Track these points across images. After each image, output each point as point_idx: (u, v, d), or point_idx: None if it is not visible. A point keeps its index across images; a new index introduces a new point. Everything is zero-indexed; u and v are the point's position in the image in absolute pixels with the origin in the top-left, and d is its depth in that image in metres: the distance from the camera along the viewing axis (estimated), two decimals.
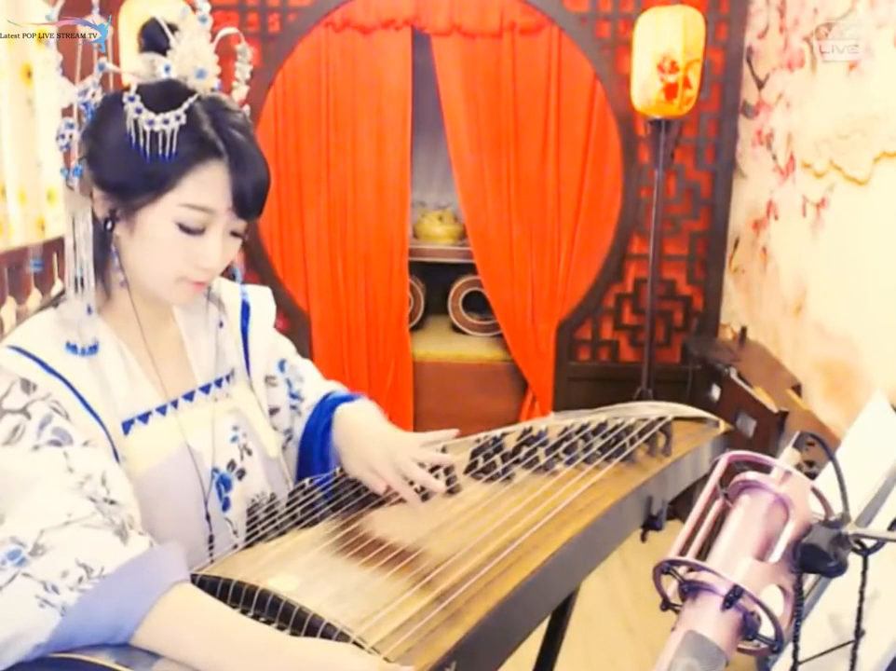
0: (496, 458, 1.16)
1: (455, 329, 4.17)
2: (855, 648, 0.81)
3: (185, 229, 0.94)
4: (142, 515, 0.92)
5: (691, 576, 0.68)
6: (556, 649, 1.39)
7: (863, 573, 0.76)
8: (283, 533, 0.97)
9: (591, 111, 3.49)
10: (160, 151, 0.91)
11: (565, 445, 1.22)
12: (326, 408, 1.23)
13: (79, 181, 0.96)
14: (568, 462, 1.19)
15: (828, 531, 0.69)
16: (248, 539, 1.00)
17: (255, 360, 1.18)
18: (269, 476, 1.13)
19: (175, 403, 1.05)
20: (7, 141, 3.19)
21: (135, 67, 0.96)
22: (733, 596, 0.65)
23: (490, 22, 3.42)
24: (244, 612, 0.78)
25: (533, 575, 0.90)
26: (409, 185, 3.66)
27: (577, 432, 1.27)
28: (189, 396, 1.07)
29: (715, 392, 2.97)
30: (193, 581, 0.80)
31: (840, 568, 0.69)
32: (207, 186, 0.94)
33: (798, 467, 0.73)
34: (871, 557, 0.74)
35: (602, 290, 3.70)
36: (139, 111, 0.91)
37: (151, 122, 0.91)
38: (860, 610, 0.79)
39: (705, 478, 0.81)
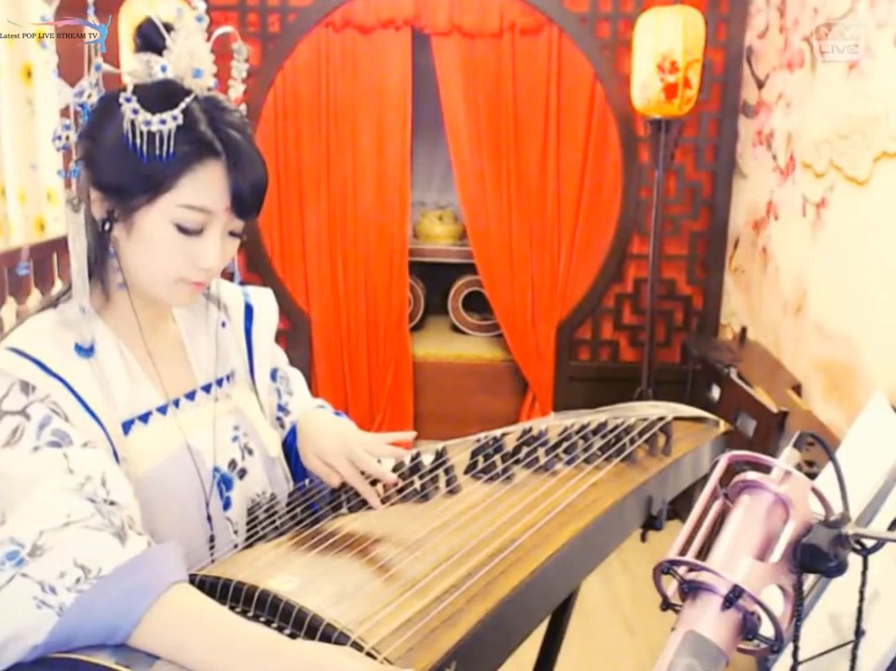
0: (496, 458, 1.16)
1: (455, 329, 4.17)
2: (855, 648, 0.81)
3: (183, 230, 0.94)
4: (144, 515, 0.92)
5: (691, 576, 0.68)
6: (556, 649, 1.39)
7: (863, 573, 0.76)
8: (283, 533, 0.97)
9: (591, 111, 3.49)
10: (157, 151, 0.91)
11: (565, 444, 1.22)
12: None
13: (76, 182, 0.96)
14: (568, 462, 1.19)
15: (828, 531, 0.69)
16: (248, 539, 1.00)
17: (259, 361, 1.18)
18: (270, 476, 1.13)
19: (177, 403, 1.05)
20: (7, 141, 3.19)
21: (131, 67, 0.96)
22: (733, 596, 0.65)
23: (490, 22, 3.42)
24: (244, 613, 0.78)
25: (533, 575, 0.90)
26: (409, 185, 3.66)
27: (577, 432, 1.27)
28: (190, 395, 1.07)
29: (715, 392, 2.97)
30: (192, 582, 0.80)
31: (840, 568, 0.69)
32: (205, 187, 0.93)
33: (798, 467, 0.73)
34: (871, 557, 0.74)
35: (602, 290, 3.70)
36: (135, 111, 0.90)
37: (148, 122, 0.90)
38: (860, 610, 0.79)
39: (705, 478, 0.81)
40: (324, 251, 3.66)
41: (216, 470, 1.05)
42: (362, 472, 1.07)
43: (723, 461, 0.75)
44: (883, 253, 2.28)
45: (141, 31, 0.97)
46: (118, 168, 0.93)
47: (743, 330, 3.32)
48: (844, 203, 2.53)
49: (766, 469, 0.72)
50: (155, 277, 0.98)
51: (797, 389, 2.71)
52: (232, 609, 0.78)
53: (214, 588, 0.80)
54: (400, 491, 1.07)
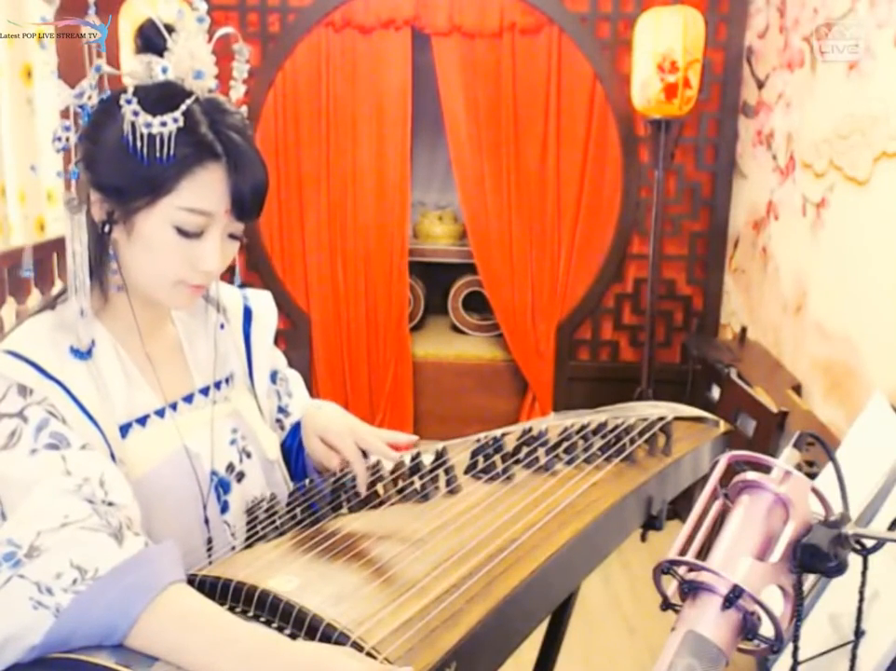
0: (496, 458, 1.16)
1: (455, 329, 4.18)
2: (855, 648, 0.81)
3: (183, 233, 0.94)
4: (142, 518, 0.91)
5: (691, 576, 0.68)
6: (556, 649, 1.38)
7: (863, 573, 0.76)
8: (283, 533, 0.97)
9: (591, 111, 3.49)
10: (158, 154, 0.90)
11: (565, 444, 1.22)
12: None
13: (76, 183, 0.95)
14: (568, 462, 1.19)
15: (828, 531, 0.69)
16: (247, 539, 0.99)
17: (258, 364, 1.18)
18: (268, 479, 1.13)
19: (174, 406, 1.04)
20: (7, 141, 3.19)
21: (132, 68, 0.96)
22: (733, 596, 0.65)
23: (490, 22, 3.42)
24: (244, 613, 0.78)
25: (533, 575, 0.90)
26: (409, 185, 3.66)
27: (577, 432, 1.27)
28: (188, 399, 1.07)
29: (715, 392, 2.97)
30: (192, 582, 0.80)
31: (840, 568, 0.69)
32: (205, 190, 0.93)
33: (798, 467, 0.73)
34: (871, 557, 0.74)
35: (602, 290, 3.70)
36: (136, 113, 0.90)
37: (148, 125, 0.90)
38: (860, 610, 0.79)
39: (705, 478, 0.81)
40: (324, 251, 3.66)
41: (214, 473, 1.05)
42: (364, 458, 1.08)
43: (723, 461, 0.75)
44: (883, 253, 2.28)
45: (142, 32, 0.96)
46: (118, 170, 0.92)
47: (743, 330, 3.32)
48: (844, 203, 2.53)
49: (766, 469, 0.72)
50: (154, 279, 0.97)
51: (797, 389, 2.71)
52: (232, 609, 0.78)
53: (214, 588, 0.80)
54: (400, 491, 1.07)
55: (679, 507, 1.44)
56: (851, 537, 0.70)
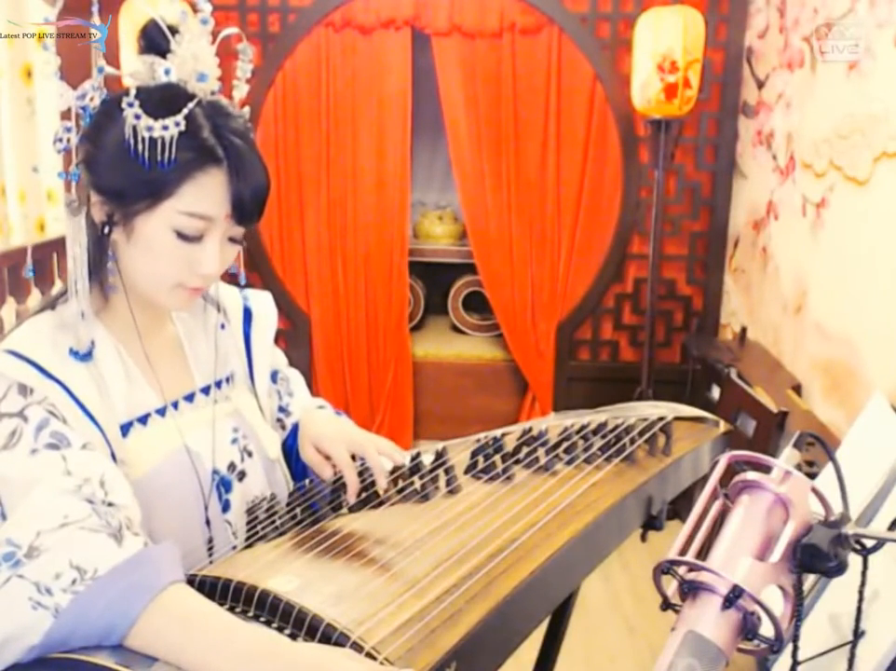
0: (496, 458, 1.16)
1: (455, 329, 4.18)
2: (854, 647, 0.81)
3: (183, 236, 0.94)
4: (143, 518, 0.91)
5: (691, 576, 0.68)
6: (556, 649, 1.39)
7: (863, 573, 0.76)
8: (283, 533, 0.97)
9: (591, 111, 3.49)
10: (159, 158, 0.90)
11: (565, 444, 1.22)
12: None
13: (76, 184, 0.95)
14: (568, 462, 1.19)
15: (828, 531, 0.69)
16: (248, 539, 0.99)
17: (258, 364, 1.18)
18: (270, 478, 1.13)
19: (175, 405, 1.05)
20: (7, 141, 3.19)
21: (134, 69, 0.95)
22: (733, 596, 0.65)
23: (490, 22, 3.42)
24: (244, 613, 0.78)
25: (533, 575, 0.90)
26: (409, 185, 3.66)
27: (577, 432, 1.27)
28: (189, 398, 1.07)
29: (715, 392, 2.97)
30: (192, 582, 0.80)
31: (840, 568, 0.69)
32: (206, 194, 0.93)
33: (798, 467, 0.73)
34: (871, 557, 0.74)
35: (602, 290, 3.70)
36: (138, 117, 0.90)
37: (150, 128, 0.89)
38: (859, 610, 0.79)
39: (705, 478, 0.81)
40: (324, 251, 3.66)
41: (215, 472, 1.05)
42: (360, 472, 1.08)
43: (723, 461, 0.75)
44: (883, 254, 2.28)
45: (145, 33, 0.96)
46: (119, 173, 0.92)
47: (743, 330, 3.32)
48: (844, 203, 2.53)
49: (766, 469, 0.72)
50: (153, 281, 0.97)
51: (797, 389, 2.71)
52: (232, 609, 0.78)
53: (214, 588, 0.80)
54: (400, 491, 1.07)
55: (679, 507, 1.44)
56: (851, 537, 0.70)
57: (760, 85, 3.28)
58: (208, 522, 1.03)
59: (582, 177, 3.56)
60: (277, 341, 1.25)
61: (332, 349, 3.73)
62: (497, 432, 1.24)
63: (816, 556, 0.68)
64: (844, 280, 2.51)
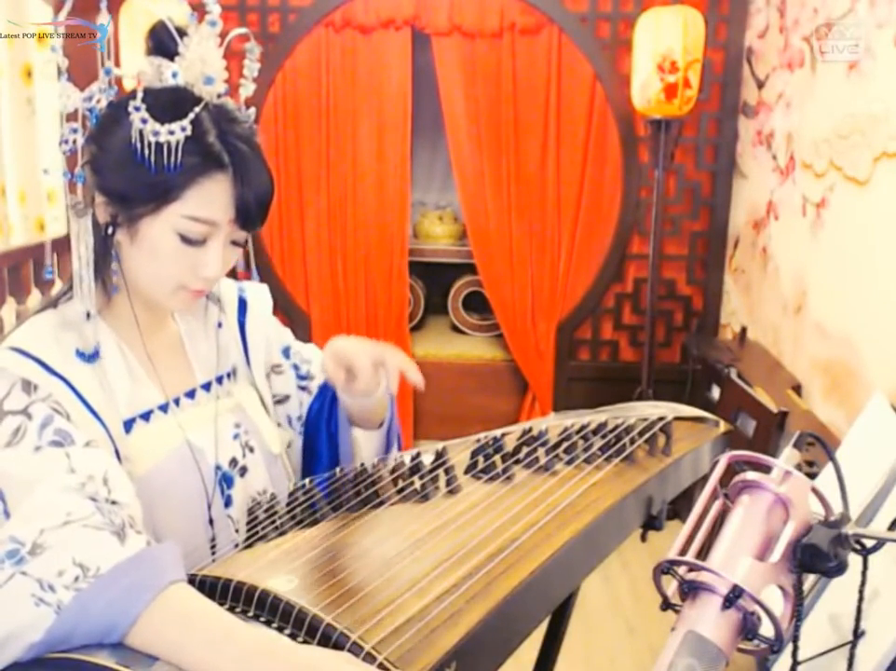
0: (496, 458, 1.16)
1: (455, 329, 4.18)
2: (854, 647, 0.81)
3: (186, 240, 0.94)
4: (146, 514, 0.92)
5: (691, 576, 0.68)
6: (556, 649, 1.38)
7: (863, 573, 0.76)
8: (283, 533, 0.97)
9: (591, 111, 3.49)
10: (165, 162, 0.90)
11: (565, 445, 1.22)
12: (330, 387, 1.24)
13: (81, 186, 0.95)
14: (568, 462, 1.18)
15: (828, 531, 0.69)
16: (248, 539, 1.00)
17: (254, 354, 1.19)
18: (271, 473, 1.13)
19: (177, 401, 1.05)
20: (8, 141, 3.19)
21: (141, 69, 0.96)
22: (733, 596, 0.65)
23: (490, 22, 3.42)
24: (244, 613, 0.78)
25: (533, 575, 0.90)
26: (409, 185, 3.66)
27: (577, 432, 1.27)
28: (191, 394, 1.08)
29: (715, 392, 2.97)
30: (192, 582, 0.80)
31: (840, 568, 0.69)
32: (210, 199, 0.93)
33: (798, 467, 0.73)
34: (871, 557, 0.74)
35: (602, 290, 3.70)
36: (144, 121, 0.90)
37: (156, 133, 0.90)
38: (859, 610, 0.79)
39: (705, 478, 0.81)
40: (324, 251, 3.66)
41: (217, 468, 1.06)
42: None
43: (723, 461, 0.75)
44: (883, 253, 2.28)
45: (154, 34, 0.96)
46: (124, 176, 0.93)
47: (743, 330, 3.32)
48: (844, 203, 2.53)
49: (766, 469, 0.72)
50: (155, 283, 0.98)
51: (797, 389, 2.72)
52: (232, 609, 0.78)
53: (214, 588, 0.80)
54: (400, 491, 1.07)
55: (679, 507, 1.44)
56: (851, 537, 0.70)
57: (760, 85, 3.28)
58: (210, 518, 1.04)
59: (582, 177, 3.56)
60: None
61: None
62: (497, 432, 1.24)
63: (816, 556, 0.68)
64: (844, 280, 2.51)
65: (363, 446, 1.22)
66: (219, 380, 1.12)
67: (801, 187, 2.84)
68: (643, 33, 3.13)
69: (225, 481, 1.07)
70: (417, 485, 1.07)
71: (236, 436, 1.10)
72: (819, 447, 0.80)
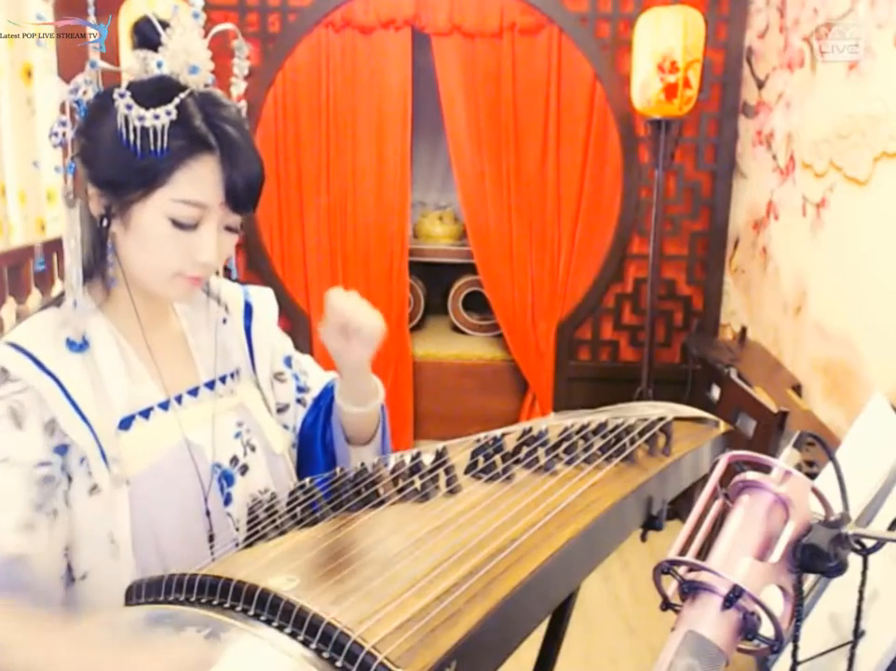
0: (497, 457, 1.16)
1: (455, 329, 4.18)
2: (853, 648, 0.81)
3: (179, 224, 0.95)
4: (145, 511, 0.94)
5: (691, 576, 0.68)
6: (556, 649, 1.38)
7: (863, 573, 0.76)
8: (283, 532, 0.97)
9: (591, 111, 3.49)
10: (151, 147, 0.91)
11: (565, 444, 1.22)
12: (327, 396, 1.26)
13: (73, 178, 0.96)
14: (568, 462, 1.18)
15: (828, 531, 0.69)
16: (248, 538, 1.00)
17: (260, 359, 1.20)
18: (273, 472, 1.14)
19: (179, 399, 1.06)
20: (8, 141, 3.19)
21: (128, 64, 0.97)
22: (733, 596, 0.65)
23: (490, 22, 3.42)
24: (244, 612, 0.78)
25: (533, 575, 0.90)
26: (409, 185, 3.66)
27: (578, 432, 1.27)
28: (193, 392, 1.08)
29: (715, 392, 2.97)
30: (192, 581, 0.80)
31: (840, 568, 0.69)
32: (199, 181, 0.94)
33: (798, 467, 0.73)
34: (871, 557, 0.74)
35: (602, 290, 3.70)
36: (129, 107, 0.91)
37: (142, 118, 0.91)
38: (859, 610, 0.79)
39: (705, 478, 0.81)
40: (324, 251, 3.66)
41: (217, 465, 1.06)
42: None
43: (723, 461, 0.75)
44: (883, 254, 2.28)
45: (137, 28, 0.97)
46: (113, 163, 0.94)
47: (743, 330, 3.32)
48: (844, 203, 2.53)
49: (766, 469, 0.72)
50: (152, 272, 0.98)
51: (797, 389, 2.72)
52: (232, 608, 0.78)
53: (214, 587, 0.80)
54: (400, 491, 1.07)
55: (679, 507, 1.44)
56: (851, 537, 0.70)
57: (760, 85, 3.28)
58: (208, 515, 1.04)
59: (582, 177, 3.56)
60: None
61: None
62: (497, 432, 1.24)
63: (816, 556, 0.68)
64: (844, 280, 2.51)
65: (354, 461, 1.23)
66: (222, 380, 1.12)
67: (801, 187, 2.84)
68: (643, 33, 3.13)
69: (225, 479, 1.07)
70: (417, 484, 1.07)
71: (237, 435, 1.10)
72: (819, 447, 0.80)
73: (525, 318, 3.70)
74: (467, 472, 1.14)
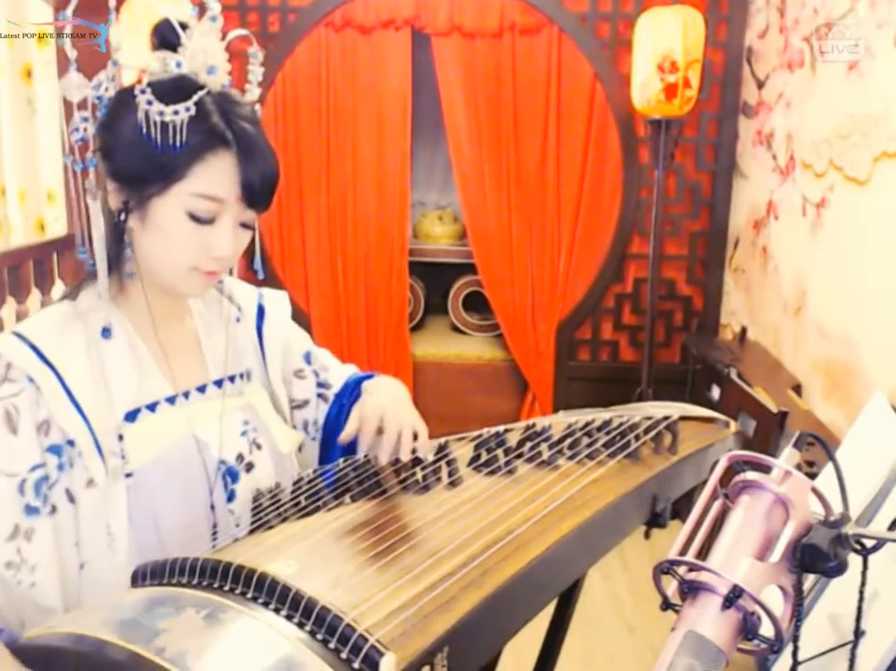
0: (499, 451, 1.17)
1: (455, 329, 4.17)
2: (854, 648, 0.81)
3: (196, 219, 0.97)
4: (148, 502, 0.96)
5: (691, 576, 0.68)
6: (557, 648, 1.39)
7: (863, 573, 0.76)
8: (286, 520, 0.98)
9: (591, 111, 3.49)
10: (171, 141, 0.93)
11: (569, 441, 1.22)
12: (347, 389, 1.28)
13: (93, 173, 0.99)
14: (571, 458, 1.19)
15: (828, 531, 0.69)
16: (252, 524, 1.01)
17: (271, 359, 1.21)
18: (279, 471, 1.15)
19: (186, 395, 1.07)
20: (8, 141, 3.19)
21: (147, 64, 0.99)
22: (733, 596, 0.65)
23: (490, 22, 3.42)
24: (243, 594, 0.79)
25: (529, 566, 0.91)
26: (409, 185, 3.66)
27: (582, 429, 1.27)
28: (201, 389, 1.10)
29: (715, 392, 2.97)
30: (195, 565, 0.81)
31: (840, 568, 0.69)
32: (216, 176, 0.96)
33: (798, 467, 0.73)
34: (871, 557, 0.74)
35: (602, 290, 3.70)
36: (150, 103, 0.93)
37: (161, 113, 0.93)
38: (860, 610, 0.79)
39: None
40: (324, 251, 3.66)
41: (222, 462, 1.07)
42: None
43: (723, 461, 0.75)
44: (883, 254, 2.28)
45: (157, 29, 1.00)
46: (133, 157, 0.96)
47: (743, 330, 3.32)
48: (844, 203, 2.53)
49: (766, 469, 0.72)
50: (169, 266, 1.00)
51: (797, 389, 2.72)
52: (232, 590, 0.79)
53: (215, 571, 0.81)
54: (401, 482, 1.07)
55: (679, 507, 1.44)
56: (851, 537, 0.70)
57: (760, 85, 3.28)
58: (212, 509, 1.06)
59: (582, 177, 3.55)
60: None
61: (332, 349, 3.68)
62: (500, 428, 1.25)
63: (816, 556, 0.68)
64: (844, 280, 2.51)
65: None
66: (231, 379, 1.14)
67: (801, 187, 2.84)
68: (643, 33, 3.13)
69: (230, 475, 1.08)
70: (419, 475, 1.08)
71: (244, 433, 1.11)
72: (819, 447, 0.80)
73: (525, 318, 3.70)
74: (469, 464, 1.14)
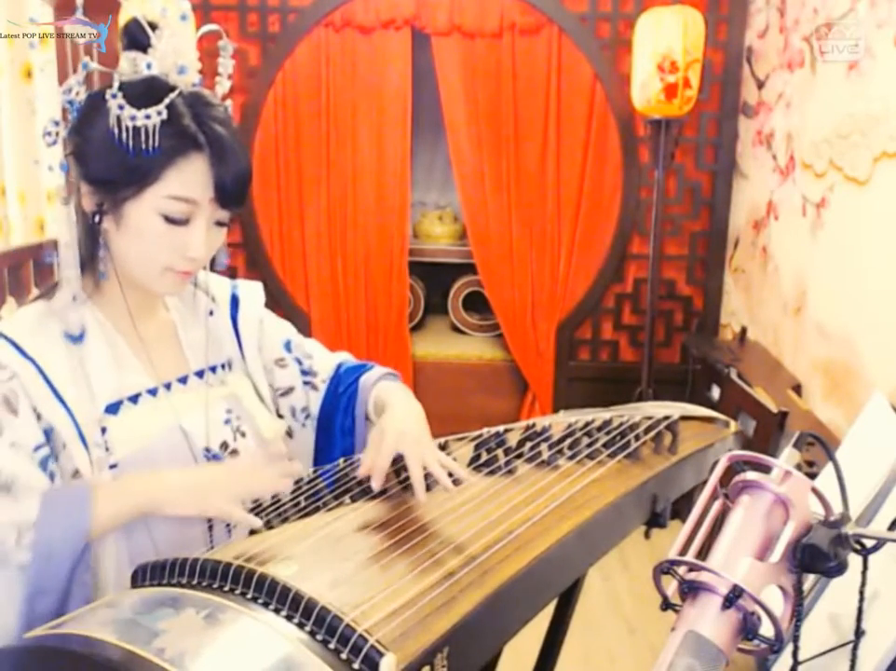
0: (499, 451, 1.17)
1: (455, 329, 4.17)
2: (855, 648, 0.81)
3: (170, 220, 0.98)
4: None
5: (691, 576, 0.68)
6: (557, 648, 1.39)
7: (863, 573, 0.76)
8: (286, 520, 0.98)
9: (591, 111, 3.49)
10: (143, 145, 0.94)
11: (569, 441, 1.22)
12: (344, 379, 1.29)
13: (66, 176, 0.99)
14: (571, 458, 1.19)
15: (828, 531, 0.69)
16: None
17: (248, 348, 1.22)
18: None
19: (168, 386, 1.08)
20: (8, 141, 3.19)
21: (119, 65, 0.99)
22: (733, 596, 0.65)
23: (490, 22, 3.42)
24: (243, 595, 0.79)
25: (529, 566, 0.91)
26: (409, 185, 3.66)
27: (582, 429, 1.27)
28: (183, 380, 1.11)
29: (715, 392, 2.97)
30: (195, 565, 0.82)
31: (840, 568, 0.69)
32: (189, 178, 0.97)
33: (798, 467, 0.73)
34: (871, 557, 0.74)
35: (602, 290, 3.70)
36: (121, 107, 0.94)
37: (133, 118, 0.93)
38: (860, 610, 0.79)
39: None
40: (324, 251, 3.65)
41: (207, 450, 1.08)
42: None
43: (723, 461, 0.75)
44: (883, 254, 2.28)
45: (127, 29, 1.00)
46: (106, 162, 0.96)
47: (743, 330, 3.32)
48: (844, 203, 2.53)
49: (766, 469, 0.72)
50: (144, 267, 1.01)
51: (797, 389, 2.71)
52: (232, 591, 0.79)
53: (215, 571, 0.81)
54: (401, 482, 1.07)
55: (679, 507, 1.44)
56: (851, 537, 0.70)
57: (760, 85, 3.28)
58: None
59: (582, 177, 3.55)
60: None
61: (332, 349, 3.72)
62: (500, 428, 1.25)
63: (816, 556, 0.68)
64: (844, 280, 2.51)
65: None
66: (213, 369, 1.15)
67: (801, 187, 2.84)
68: (643, 33, 3.12)
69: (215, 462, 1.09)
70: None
71: (227, 421, 1.13)
72: (819, 447, 0.80)
73: (525, 318, 3.70)
74: (469, 464, 1.14)
